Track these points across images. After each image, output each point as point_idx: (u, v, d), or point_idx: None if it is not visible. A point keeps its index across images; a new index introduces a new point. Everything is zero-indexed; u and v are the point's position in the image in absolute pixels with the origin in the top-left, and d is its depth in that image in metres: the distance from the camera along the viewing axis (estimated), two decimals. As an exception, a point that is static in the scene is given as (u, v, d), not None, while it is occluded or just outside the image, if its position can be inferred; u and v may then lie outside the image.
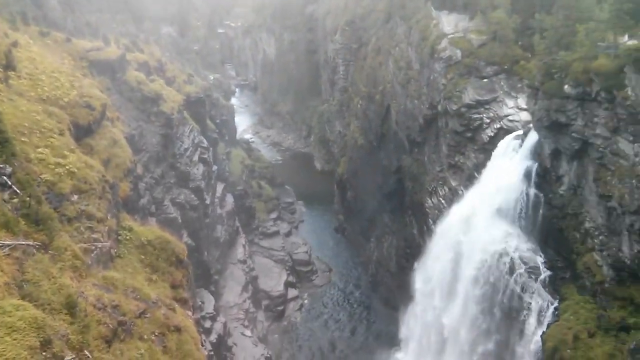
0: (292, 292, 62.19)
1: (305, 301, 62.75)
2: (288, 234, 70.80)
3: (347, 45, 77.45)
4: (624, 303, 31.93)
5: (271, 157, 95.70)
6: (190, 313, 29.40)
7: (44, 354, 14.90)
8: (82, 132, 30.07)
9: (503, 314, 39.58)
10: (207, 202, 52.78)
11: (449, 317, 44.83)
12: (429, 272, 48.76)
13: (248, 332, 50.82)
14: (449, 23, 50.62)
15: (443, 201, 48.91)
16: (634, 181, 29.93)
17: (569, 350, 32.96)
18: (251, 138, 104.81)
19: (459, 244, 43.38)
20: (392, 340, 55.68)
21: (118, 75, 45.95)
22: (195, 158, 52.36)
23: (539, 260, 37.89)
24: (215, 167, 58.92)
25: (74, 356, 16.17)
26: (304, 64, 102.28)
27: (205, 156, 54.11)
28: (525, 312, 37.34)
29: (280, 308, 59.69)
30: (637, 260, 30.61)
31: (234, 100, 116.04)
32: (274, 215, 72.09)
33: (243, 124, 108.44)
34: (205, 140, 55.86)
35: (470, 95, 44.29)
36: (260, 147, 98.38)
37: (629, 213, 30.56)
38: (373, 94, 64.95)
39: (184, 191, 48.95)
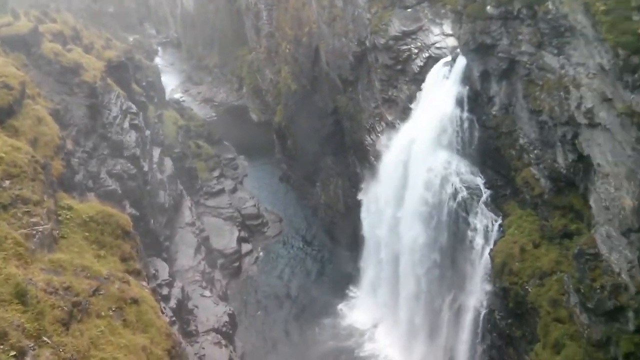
0: (245, 247, 62.32)
1: (260, 254, 63.09)
2: (234, 190, 70.35)
3: (268, -12, 75.64)
4: (564, 211, 33.43)
5: (205, 114, 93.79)
6: (145, 283, 29.16)
7: (1, 347, 14.55)
8: (4, 114, 28.55)
9: (450, 237, 40.88)
10: (145, 169, 51.58)
11: (399, 242, 46.00)
12: (374, 203, 49.75)
13: (207, 293, 50.90)
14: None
15: (382, 137, 49.33)
16: (562, 93, 30.84)
17: (517, 263, 34.49)
18: (181, 97, 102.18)
19: (402, 173, 44.17)
20: (348, 279, 56.95)
21: (33, 50, 43.54)
22: (126, 125, 50.68)
23: (479, 181, 39.06)
24: (148, 132, 57.39)
25: (32, 344, 15.89)
26: (225, 13, 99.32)
27: (136, 122, 52.46)
28: (471, 233, 38.66)
29: (236, 265, 59.85)
30: (572, 169, 31.89)
31: (157, 60, 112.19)
32: (216, 173, 71.32)
33: (171, 83, 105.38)
34: (133, 106, 54.07)
35: (396, 27, 44.14)
36: (192, 105, 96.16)
37: (560, 125, 31.63)
38: (300, 36, 63.96)
39: (119, 161, 47.60)
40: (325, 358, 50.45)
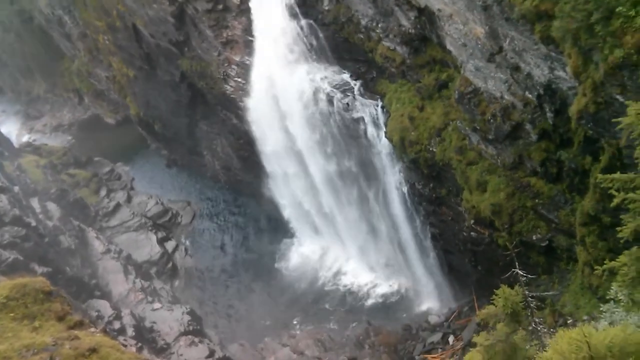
0: (170, 245, 60.83)
1: (187, 243, 61.99)
2: (129, 199, 67.68)
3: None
4: (430, 67, 34.55)
5: (61, 141, 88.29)
6: (93, 329, 28.40)
7: None
8: None
9: (347, 140, 41.59)
10: (34, 224, 48.50)
11: (305, 168, 46.38)
12: (264, 145, 49.40)
13: (157, 305, 49.70)
14: None
15: (239, 79, 48.49)
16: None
17: (412, 133, 35.69)
18: (30, 138, 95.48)
19: (275, 105, 43.94)
20: (282, 221, 57.23)
21: None
22: (-10, 192, 47.23)
23: (346, 76, 39.52)
24: (16, 188, 53.72)
25: None
26: (28, 36, 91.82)
27: (-1, 184, 48.93)
28: (362, 126, 39.43)
29: (169, 266, 58.56)
30: (418, 25, 32.72)
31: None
32: (103, 192, 68.11)
33: (12, 129, 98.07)
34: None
35: (198, -28, 42.65)
36: (45, 140, 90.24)
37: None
38: (111, 23, 60.55)
39: (4, 230, 44.67)
40: (297, 296, 51.51)
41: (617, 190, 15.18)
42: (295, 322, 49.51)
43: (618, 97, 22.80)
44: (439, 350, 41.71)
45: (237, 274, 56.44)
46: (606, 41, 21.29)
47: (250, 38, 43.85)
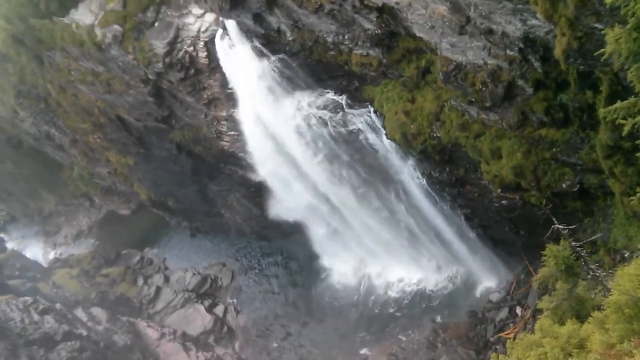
0: (219, 310, 61.04)
1: (235, 302, 62.05)
2: (166, 280, 67.89)
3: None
4: (406, 59, 34.75)
5: (86, 247, 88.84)
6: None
7: None
8: None
9: (352, 153, 41.61)
10: (85, 333, 49.30)
11: (319, 194, 46.34)
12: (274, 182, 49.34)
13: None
14: None
15: (232, 132, 48.83)
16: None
17: (412, 126, 35.62)
18: (57, 253, 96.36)
19: (274, 144, 44.18)
20: (315, 253, 57.15)
21: None
22: (37, 318, 47.87)
23: (330, 95, 39.69)
24: (57, 304, 54.36)
25: None
26: (25, 159, 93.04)
27: (40, 307, 49.55)
28: (361, 137, 39.47)
29: (224, 330, 58.62)
30: (383, 24, 32.86)
31: (9, 245, 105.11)
32: (140, 281, 68.12)
33: (37, 251, 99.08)
34: (28, 298, 50.83)
35: (160, 45, 43.21)
36: (71, 250, 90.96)
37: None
38: (96, 120, 61.37)
39: (59, 348, 45.58)
40: (354, 317, 51.16)
41: (624, 118, 14.98)
42: (361, 344, 49.11)
43: (596, 25, 22.68)
44: (511, 325, 41.06)
45: (290, 314, 56.43)
46: (566, -23, 21.26)
47: (230, 91, 44.26)
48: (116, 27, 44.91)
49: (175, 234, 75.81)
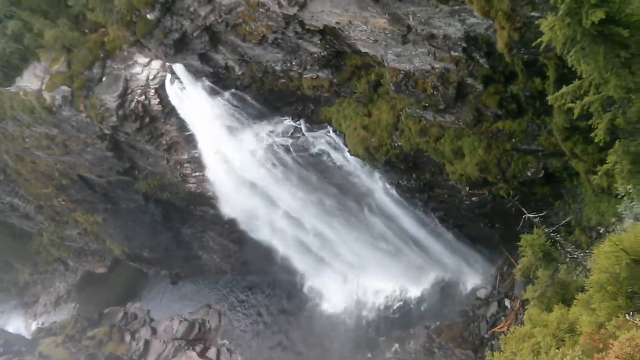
0: (212, 353, 60.16)
1: (226, 342, 61.23)
2: (154, 332, 66.85)
3: None
4: (357, 75, 35.14)
5: (68, 311, 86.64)
6: None
7: None
8: None
9: (318, 174, 41.70)
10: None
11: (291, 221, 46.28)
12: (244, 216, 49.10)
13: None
14: None
15: (197, 173, 48.57)
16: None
17: (372, 139, 35.84)
18: (38, 323, 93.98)
19: (238, 177, 44.05)
20: (299, 278, 56.84)
21: None
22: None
23: (287, 122, 39.84)
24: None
25: None
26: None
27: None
28: (325, 158, 39.63)
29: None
30: (327, 45, 33.15)
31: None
32: (127, 337, 67.21)
33: (19, 323, 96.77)
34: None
35: (110, 99, 43.01)
36: (53, 318, 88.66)
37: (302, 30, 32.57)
38: (57, 184, 60.50)
39: None
40: (349, 336, 50.87)
41: (572, 102, 15.30)
42: (361, 361, 48.87)
43: (532, 14, 23.26)
44: (502, 318, 41.28)
45: (284, 344, 55.96)
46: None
47: (188, 133, 44.15)
48: (64, 88, 44.55)
49: (156, 283, 74.63)
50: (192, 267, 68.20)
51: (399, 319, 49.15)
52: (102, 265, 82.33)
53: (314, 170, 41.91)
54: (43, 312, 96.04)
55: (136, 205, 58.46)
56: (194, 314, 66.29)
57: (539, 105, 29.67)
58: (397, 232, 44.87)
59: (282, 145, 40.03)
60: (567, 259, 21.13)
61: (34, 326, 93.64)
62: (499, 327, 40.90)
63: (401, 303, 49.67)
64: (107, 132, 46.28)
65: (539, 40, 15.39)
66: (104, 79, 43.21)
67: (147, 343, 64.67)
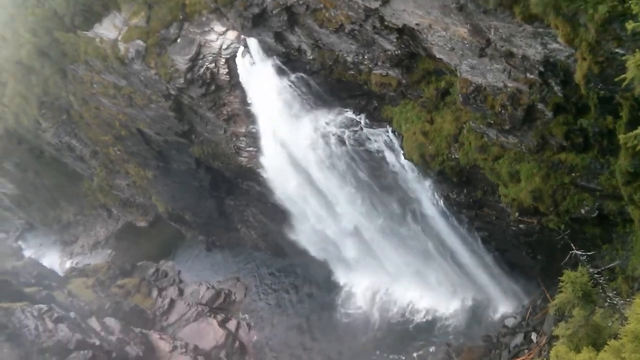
0: (231, 324, 60.90)
1: (247, 317, 61.93)
2: (181, 293, 68.25)
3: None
4: (426, 80, 34.74)
5: (103, 257, 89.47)
6: None
7: None
8: None
9: (368, 172, 41.58)
10: (97, 343, 49.57)
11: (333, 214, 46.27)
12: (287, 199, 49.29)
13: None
14: None
15: (251, 148, 49.06)
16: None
17: (429, 147, 35.57)
18: (73, 262, 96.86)
19: (291, 162, 44.32)
20: (331, 272, 56.95)
21: None
22: (51, 326, 48.27)
23: (349, 114, 39.81)
24: (72, 313, 54.72)
25: None
26: (47, 169, 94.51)
27: (55, 315, 49.88)
28: (378, 156, 39.46)
29: (236, 345, 58.45)
30: (402, 45, 32.94)
31: (26, 253, 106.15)
32: (154, 293, 68.69)
33: (54, 260, 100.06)
34: (43, 306, 51.24)
35: (180, 61, 43.75)
36: (87, 260, 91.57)
37: (362, 21, 32.52)
38: (117, 133, 62.13)
39: (71, 357, 45.88)
40: (369, 339, 50.74)
41: (645, 144, 14.82)
42: (377, 366, 48.74)
43: (617, 50, 22.53)
44: (525, 351, 40.43)
45: (303, 332, 56.15)
46: (587, 1, 21.21)
47: (249, 107, 44.59)
48: (139, 42, 45.56)
49: (191, 247, 76.06)
50: (229, 238, 69.17)
51: (422, 331, 48.75)
52: (144, 219, 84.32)
53: (365, 167, 41.76)
54: (79, 252, 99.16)
55: (187, 168, 59.59)
56: (222, 283, 67.28)
57: (606, 143, 28.82)
58: (437, 245, 44.39)
59: (338, 135, 40.01)
60: (606, 304, 20.51)
61: (67, 264, 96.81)
62: (520, 359, 40.11)
63: (428, 315, 49.23)
64: (172, 92, 47.16)
65: (622, 76, 14.95)
66: (178, 40, 43.94)
67: (172, 302, 65.97)
